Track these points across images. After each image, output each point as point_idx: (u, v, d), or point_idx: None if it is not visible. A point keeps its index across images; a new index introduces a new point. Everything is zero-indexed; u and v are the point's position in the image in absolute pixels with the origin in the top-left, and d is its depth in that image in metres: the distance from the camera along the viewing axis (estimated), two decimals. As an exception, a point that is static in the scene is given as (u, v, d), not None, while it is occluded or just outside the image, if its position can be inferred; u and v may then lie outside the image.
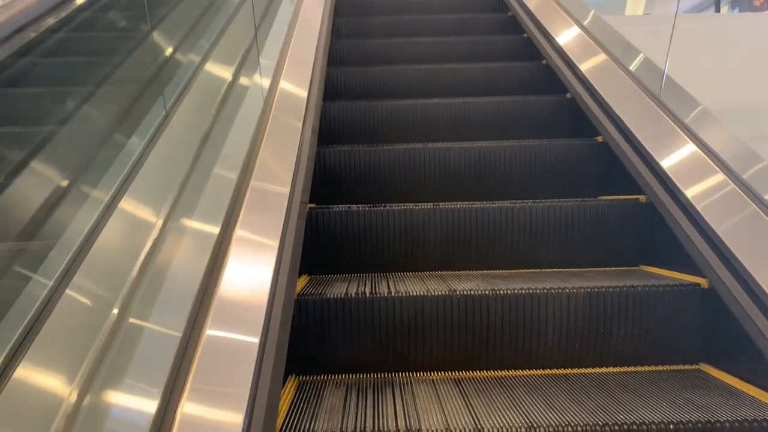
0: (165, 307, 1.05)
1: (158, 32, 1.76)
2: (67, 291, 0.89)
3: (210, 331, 1.02)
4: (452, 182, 2.40)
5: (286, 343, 1.34)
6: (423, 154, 2.40)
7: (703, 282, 1.61)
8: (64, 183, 1.14)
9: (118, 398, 0.87)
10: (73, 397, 0.80)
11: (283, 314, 1.33)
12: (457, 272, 2.01)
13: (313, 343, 1.62)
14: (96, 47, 1.52)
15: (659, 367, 1.60)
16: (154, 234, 1.16)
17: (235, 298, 1.21)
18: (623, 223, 2.01)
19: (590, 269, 1.99)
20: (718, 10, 6.81)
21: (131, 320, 0.97)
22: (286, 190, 1.71)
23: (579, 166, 2.37)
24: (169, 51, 1.83)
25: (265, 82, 2.14)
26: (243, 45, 2.23)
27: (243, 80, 2.05)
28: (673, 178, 1.85)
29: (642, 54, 2.45)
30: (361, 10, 4.26)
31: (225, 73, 1.98)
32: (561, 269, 2.01)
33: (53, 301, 0.91)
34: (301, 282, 1.86)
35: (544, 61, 3.18)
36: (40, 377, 0.83)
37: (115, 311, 0.94)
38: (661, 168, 1.92)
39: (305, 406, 1.41)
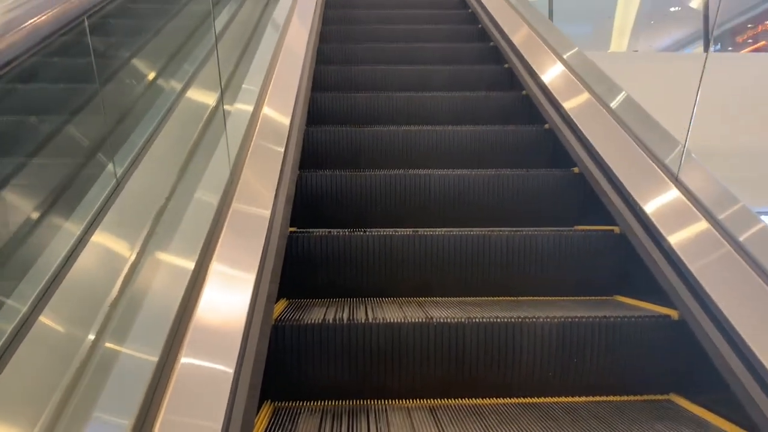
0: (140, 334, 1.06)
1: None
2: (41, 318, 0.90)
3: (185, 359, 1.02)
4: (432, 208, 2.43)
5: (261, 371, 1.34)
6: (404, 180, 2.42)
7: (673, 314, 1.64)
8: (37, 212, 1.15)
9: (89, 428, 0.86)
10: (44, 427, 0.80)
11: (259, 341, 1.34)
12: (434, 298, 2.03)
13: (289, 368, 1.62)
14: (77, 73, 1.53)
15: (631, 397, 1.62)
16: (132, 259, 1.16)
17: (211, 325, 1.21)
18: (598, 253, 2.05)
19: (565, 298, 2.02)
20: (707, 48, 6.81)
21: (106, 345, 0.97)
22: (267, 213, 1.72)
23: (556, 195, 2.42)
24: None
25: (248, 108, 2.16)
26: (225, 72, 2.26)
27: (226, 106, 2.07)
28: (646, 211, 1.89)
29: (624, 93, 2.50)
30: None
31: (208, 99, 2.00)
32: (537, 297, 2.04)
33: (27, 326, 0.91)
34: (279, 306, 1.86)
35: (524, 92, 3.25)
36: (15, 402, 0.83)
37: (90, 337, 0.94)
38: (634, 200, 1.96)
39: (280, 431, 1.41)
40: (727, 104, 4.19)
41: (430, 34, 4.39)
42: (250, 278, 1.45)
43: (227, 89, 2.16)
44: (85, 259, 1.08)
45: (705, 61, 2.11)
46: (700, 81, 1.56)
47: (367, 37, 4.32)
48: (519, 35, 3.67)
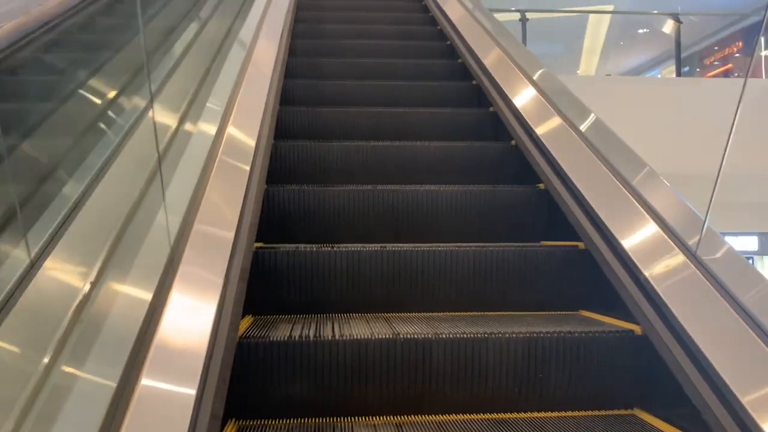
0: (100, 354, 1.03)
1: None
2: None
3: (145, 380, 1.00)
4: (400, 223, 2.44)
5: (225, 389, 1.32)
6: (372, 196, 2.43)
7: (636, 329, 1.67)
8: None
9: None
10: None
11: (223, 359, 1.31)
12: (401, 314, 2.02)
13: (254, 386, 1.60)
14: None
15: (596, 412, 1.64)
16: (91, 277, 1.13)
17: (173, 343, 1.19)
18: (563, 268, 2.07)
19: (531, 313, 2.04)
20: (679, 72, 6.96)
21: (63, 368, 0.95)
22: (232, 231, 1.70)
23: (521, 211, 2.45)
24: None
25: (212, 124, 2.13)
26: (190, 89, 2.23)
27: (188, 125, 2.05)
28: (609, 226, 1.93)
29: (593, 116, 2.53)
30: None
31: (170, 118, 1.97)
32: (504, 312, 2.05)
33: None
34: (245, 323, 1.84)
35: (491, 108, 3.29)
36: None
37: (45, 360, 0.91)
38: (597, 215, 2.00)
39: (244, 452, 1.39)
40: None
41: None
42: (216, 292, 1.42)
43: (192, 105, 2.13)
44: (42, 279, 1.05)
45: (743, 87, 2.14)
46: (738, 107, 1.57)
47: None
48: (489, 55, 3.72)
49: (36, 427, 0.86)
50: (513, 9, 6.00)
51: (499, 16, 4.33)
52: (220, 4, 3.36)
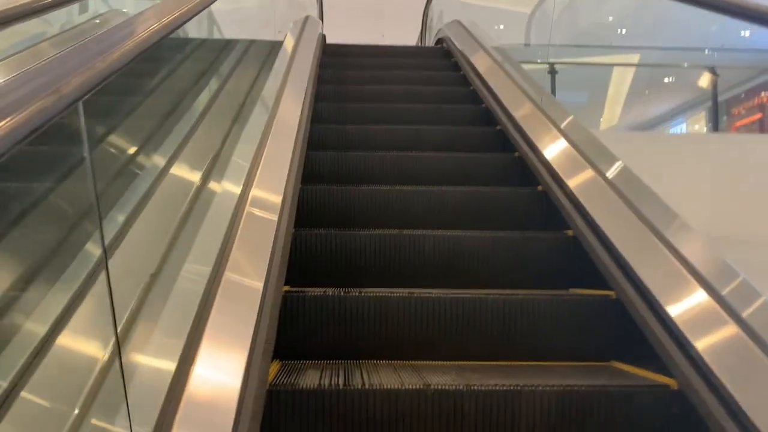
0: (132, 406, 1.03)
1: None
2: (23, 392, 0.88)
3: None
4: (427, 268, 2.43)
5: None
6: (398, 240, 2.43)
7: (671, 383, 1.63)
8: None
9: None
10: None
11: (253, 408, 1.31)
12: (430, 362, 2.00)
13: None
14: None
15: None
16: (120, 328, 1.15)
17: (204, 394, 1.20)
18: (594, 317, 2.05)
19: (562, 363, 2.00)
20: (717, 126, 6.44)
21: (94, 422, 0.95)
22: (262, 279, 1.71)
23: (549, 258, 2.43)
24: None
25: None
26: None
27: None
28: (641, 277, 1.90)
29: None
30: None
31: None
32: (534, 362, 2.02)
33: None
34: (273, 369, 1.83)
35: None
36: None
37: (76, 412, 0.92)
38: (629, 265, 1.98)
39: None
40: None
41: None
42: (246, 341, 1.43)
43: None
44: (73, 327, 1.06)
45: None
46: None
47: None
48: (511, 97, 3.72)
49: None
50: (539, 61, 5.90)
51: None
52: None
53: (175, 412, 1.07)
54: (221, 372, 1.31)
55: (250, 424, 1.25)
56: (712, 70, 5.85)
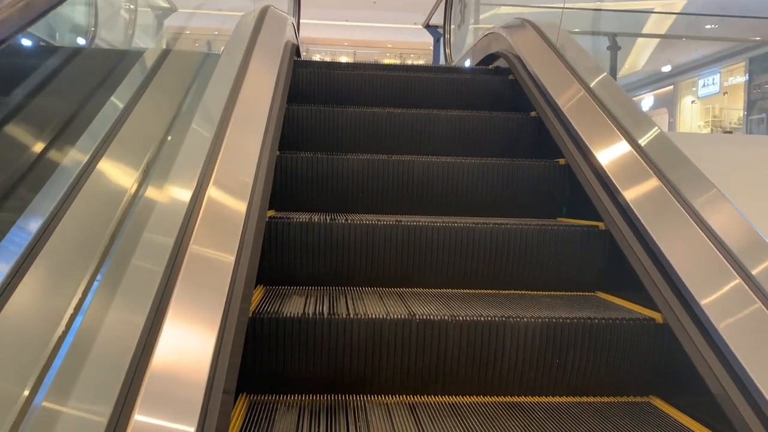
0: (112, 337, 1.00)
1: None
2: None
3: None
4: (415, 195, 2.39)
5: (237, 365, 1.30)
6: (387, 166, 2.37)
7: (657, 317, 1.63)
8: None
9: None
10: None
11: (235, 335, 1.29)
12: (415, 289, 1.99)
13: (267, 361, 1.58)
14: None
15: (611, 399, 1.61)
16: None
17: (187, 314, 1.17)
18: (582, 247, 2.03)
19: (547, 293, 2.00)
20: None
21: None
22: (245, 202, 1.66)
23: (539, 186, 2.39)
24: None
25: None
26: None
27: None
28: (633, 207, 1.87)
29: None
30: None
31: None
32: (519, 291, 2.01)
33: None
34: (257, 294, 1.81)
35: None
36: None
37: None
38: (621, 195, 1.94)
39: (256, 429, 1.37)
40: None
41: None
42: (229, 266, 1.39)
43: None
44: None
45: None
46: None
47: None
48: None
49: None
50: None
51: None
52: None
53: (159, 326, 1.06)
54: (202, 301, 1.27)
55: (232, 350, 1.23)
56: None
